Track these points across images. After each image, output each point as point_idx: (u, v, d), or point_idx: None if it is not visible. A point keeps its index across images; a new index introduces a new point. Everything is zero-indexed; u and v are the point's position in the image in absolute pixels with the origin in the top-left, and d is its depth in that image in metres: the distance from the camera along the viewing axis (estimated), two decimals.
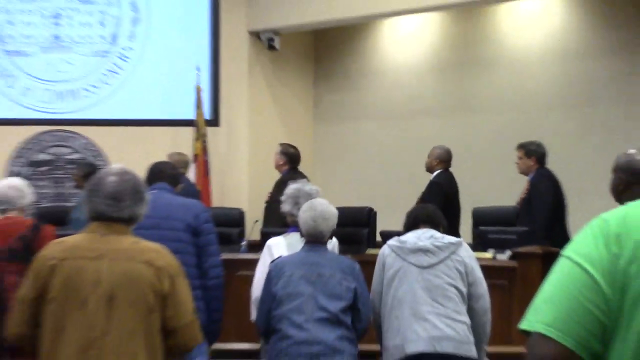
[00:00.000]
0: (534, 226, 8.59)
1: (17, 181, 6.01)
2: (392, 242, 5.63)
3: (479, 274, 5.58)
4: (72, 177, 11.77)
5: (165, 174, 6.03)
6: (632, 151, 4.57)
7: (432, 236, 5.57)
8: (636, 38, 10.55)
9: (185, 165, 10.36)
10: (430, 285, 5.42)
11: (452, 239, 5.64)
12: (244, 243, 9.87)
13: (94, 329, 3.90)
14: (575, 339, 2.10)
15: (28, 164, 12.62)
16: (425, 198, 8.90)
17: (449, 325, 5.37)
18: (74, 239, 4.16)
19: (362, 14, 11.97)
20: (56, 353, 3.91)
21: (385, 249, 5.65)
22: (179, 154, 10.31)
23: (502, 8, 11.50)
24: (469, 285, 5.50)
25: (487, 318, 5.57)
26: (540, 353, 2.12)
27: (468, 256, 5.60)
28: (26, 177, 12.09)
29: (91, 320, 3.90)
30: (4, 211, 5.79)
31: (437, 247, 5.50)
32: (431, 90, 12.16)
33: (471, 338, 5.44)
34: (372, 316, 5.60)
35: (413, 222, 5.74)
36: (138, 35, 12.80)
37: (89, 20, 12.80)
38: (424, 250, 5.49)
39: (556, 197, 9.00)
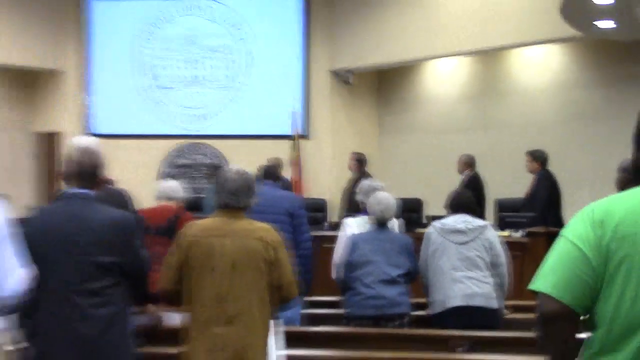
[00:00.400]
0: (535, 213, 8.57)
1: (173, 182, 6.15)
2: (436, 224, 5.61)
3: (500, 248, 5.54)
4: (204, 175, 11.97)
5: (270, 173, 6.09)
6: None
7: (465, 220, 5.52)
8: (617, 73, 10.37)
9: (281, 166, 10.39)
10: (464, 257, 5.40)
11: (481, 222, 5.60)
12: (326, 223, 9.90)
13: (221, 287, 3.96)
14: (571, 298, 2.12)
15: (174, 166, 12.78)
16: None
17: (478, 286, 5.35)
18: (206, 222, 4.20)
19: (412, 57, 11.91)
20: (196, 303, 3.98)
21: (430, 229, 5.62)
22: (276, 158, 10.30)
23: (515, 52, 11.37)
24: (493, 256, 5.47)
25: (506, 280, 5.53)
26: (546, 308, 2.15)
27: (492, 235, 5.55)
28: (172, 176, 12.30)
29: (219, 281, 3.96)
30: (160, 199, 5.94)
31: (469, 229, 5.47)
32: (463, 113, 12.07)
33: (494, 295, 5.41)
34: (422, 277, 5.60)
35: (454, 207, 5.69)
36: (251, 74, 12.84)
37: (217, 65, 12.91)
38: (460, 231, 5.46)
39: (552, 191, 8.93)
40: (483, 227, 5.54)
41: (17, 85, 13.48)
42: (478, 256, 5.43)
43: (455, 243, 5.44)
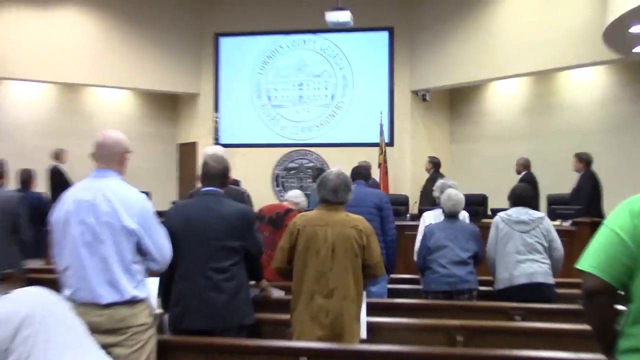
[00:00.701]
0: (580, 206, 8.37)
1: (298, 192, 6.17)
2: (502, 215, 5.49)
3: (555, 235, 5.43)
4: (308, 176, 12.08)
5: (362, 174, 6.07)
6: None
7: (527, 212, 5.42)
8: None
9: (370, 168, 10.35)
10: (526, 242, 5.31)
11: (539, 214, 5.49)
12: (408, 215, 9.85)
13: (324, 266, 3.97)
14: (610, 276, 2.12)
15: (284, 169, 12.96)
16: None
17: (539, 266, 5.27)
18: (311, 214, 4.21)
19: (478, 79, 11.76)
20: (303, 279, 4.01)
21: (498, 219, 5.50)
22: (365, 161, 10.27)
23: (564, 73, 11.07)
24: (549, 242, 5.38)
25: (560, 262, 5.43)
26: (590, 284, 2.17)
27: (549, 225, 5.44)
28: (282, 177, 12.52)
29: (322, 261, 3.98)
30: (284, 201, 5.98)
31: (531, 220, 5.37)
32: (520, 124, 11.83)
33: (551, 273, 5.33)
34: (489, 259, 5.50)
35: (517, 201, 5.56)
36: (347, 94, 12.91)
37: (318, 86, 13.02)
38: (523, 222, 5.36)
39: (595, 188, 8.69)
40: (541, 218, 5.44)
41: (164, 106, 13.93)
42: (538, 242, 5.34)
43: (519, 232, 5.36)
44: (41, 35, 11.91)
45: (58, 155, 10.48)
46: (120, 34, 12.67)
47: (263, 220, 5.66)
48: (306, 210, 6.24)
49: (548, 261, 5.36)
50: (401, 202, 10.27)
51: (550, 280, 5.32)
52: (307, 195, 6.50)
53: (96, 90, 13.12)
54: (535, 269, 5.26)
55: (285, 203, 6.00)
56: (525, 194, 5.65)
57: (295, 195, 6.10)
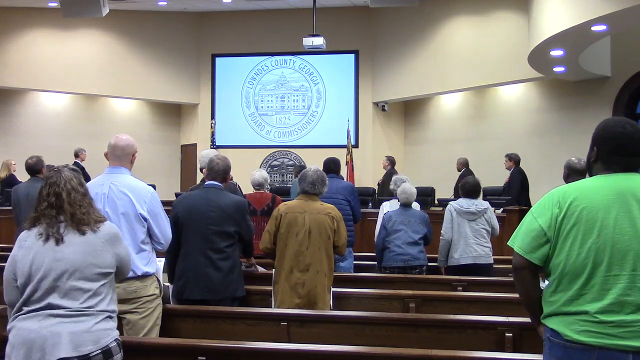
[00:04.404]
0: (511, 197, 8.44)
1: (264, 174, 5.94)
2: (455, 204, 5.41)
3: (495, 222, 5.44)
4: (289, 172, 12.01)
5: (333, 169, 5.95)
6: (573, 159, 4.35)
7: (474, 203, 5.38)
8: (566, 103, 10.12)
9: (339, 164, 10.25)
10: (473, 229, 5.30)
11: (484, 204, 5.45)
12: (371, 204, 9.85)
13: (301, 246, 3.98)
14: (532, 255, 2.17)
15: (268, 166, 12.88)
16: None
17: (482, 249, 5.28)
18: (292, 203, 4.20)
19: (428, 92, 11.84)
20: (284, 257, 4.01)
21: (451, 208, 5.42)
22: (334, 157, 10.10)
23: (497, 88, 11.17)
24: (492, 228, 5.39)
25: (495, 236, 5.50)
26: (517, 261, 2.20)
27: (491, 213, 5.44)
28: (267, 173, 12.40)
29: (300, 242, 3.98)
30: (259, 189, 5.76)
31: (477, 210, 5.34)
32: (461, 129, 11.88)
33: (491, 254, 5.36)
34: (445, 240, 5.38)
35: (467, 193, 5.49)
36: (320, 105, 12.88)
37: (297, 98, 12.97)
38: (471, 212, 5.33)
39: (523, 182, 8.74)
40: (486, 208, 5.40)
41: (169, 114, 13.80)
42: (483, 228, 5.33)
43: (468, 220, 5.34)
44: (65, 54, 11.87)
45: (78, 154, 10.37)
46: (132, 54, 12.59)
47: (256, 213, 5.49)
48: (278, 193, 6.09)
49: (489, 244, 5.37)
50: (367, 193, 10.27)
51: (490, 260, 5.34)
52: (287, 187, 6.39)
53: (112, 100, 12.97)
54: (479, 252, 5.27)
55: (262, 191, 5.73)
56: (473, 188, 5.60)
57: (263, 177, 5.67)
